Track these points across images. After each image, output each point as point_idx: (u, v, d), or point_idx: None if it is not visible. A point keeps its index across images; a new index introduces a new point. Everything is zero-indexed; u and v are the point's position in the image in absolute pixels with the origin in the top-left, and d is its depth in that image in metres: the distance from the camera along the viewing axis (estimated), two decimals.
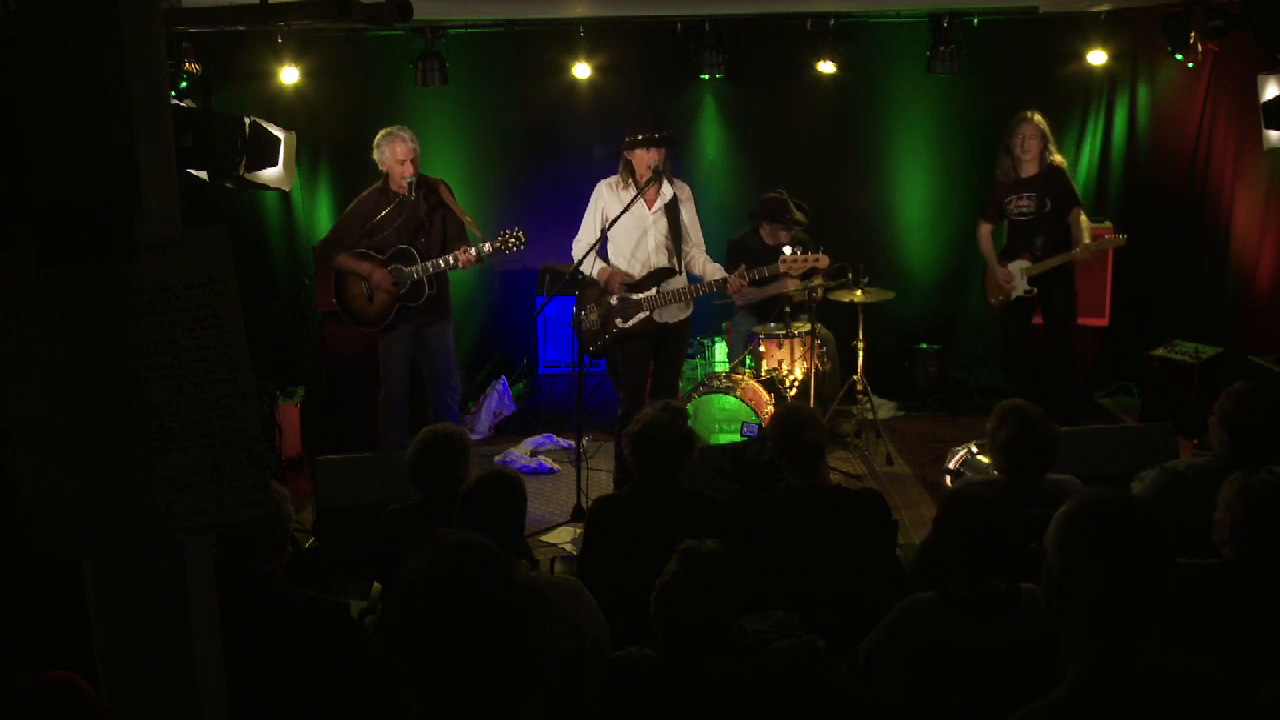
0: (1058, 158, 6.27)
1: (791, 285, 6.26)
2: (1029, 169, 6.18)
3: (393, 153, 5.57)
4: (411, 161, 5.57)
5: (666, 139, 5.43)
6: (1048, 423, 3.53)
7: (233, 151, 4.82)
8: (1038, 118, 6.15)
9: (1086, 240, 6.07)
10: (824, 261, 5.67)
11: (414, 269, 5.61)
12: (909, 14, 7.14)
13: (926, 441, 6.87)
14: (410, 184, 5.56)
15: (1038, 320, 6.46)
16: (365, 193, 5.73)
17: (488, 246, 5.58)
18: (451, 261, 5.58)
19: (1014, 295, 6.29)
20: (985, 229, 6.45)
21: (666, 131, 5.49)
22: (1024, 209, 6.23)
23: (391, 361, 5.79)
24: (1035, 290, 6.26)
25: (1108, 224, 7.10)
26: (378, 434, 5.88)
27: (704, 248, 5.68)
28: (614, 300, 5.51)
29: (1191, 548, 2.76)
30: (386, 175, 5.64)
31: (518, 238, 5.58)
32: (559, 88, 7.30)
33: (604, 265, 5.53)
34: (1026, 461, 3.51)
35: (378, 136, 5.63)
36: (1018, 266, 6.26)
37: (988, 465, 4.63)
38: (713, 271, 5.58)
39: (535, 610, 1.64)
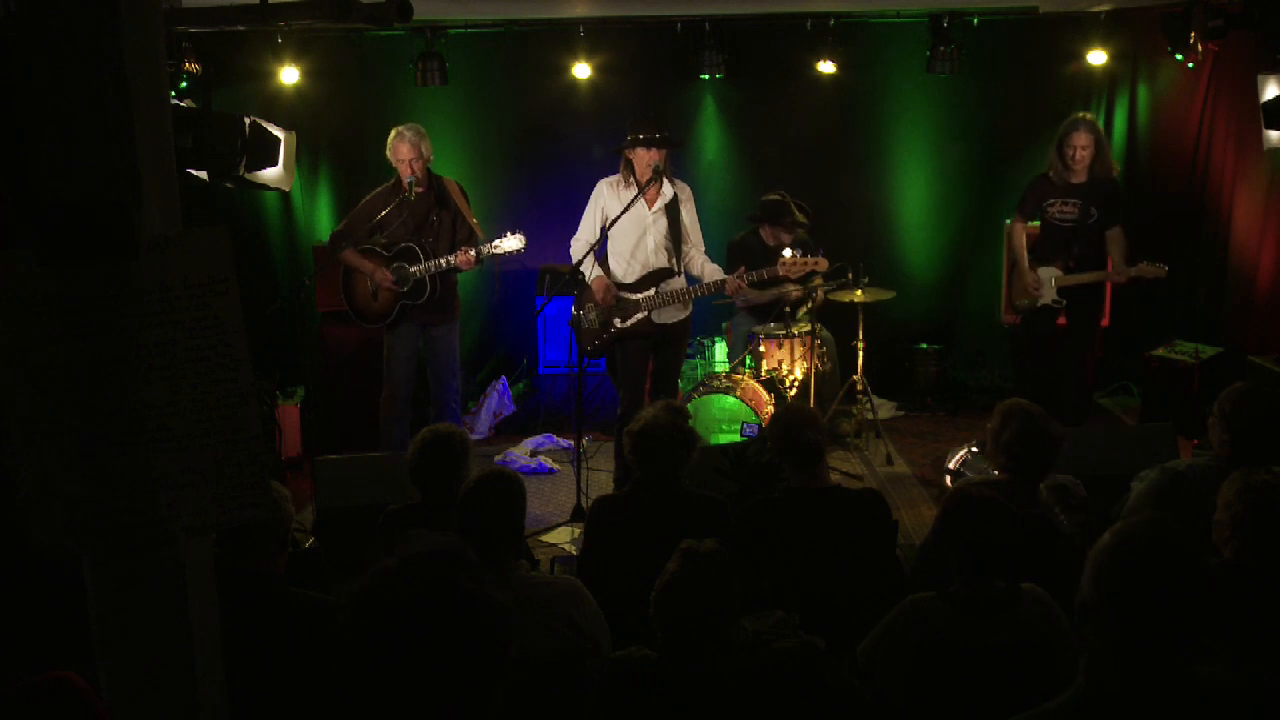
0: (1114, 166, 6.03)
1: (792, 289, 6.27)
2: (1079, 176, 5.88)
3: (396, 151, 5.60)
4: (413, 161, 5.58)
5: (666, 140, 5.42)
6: (1051, 422, 3.52)
7: (233, 151, 4.83)
8: (1089, 118, 5.88)
9: (1118, 259, 5.85)
10: (823, 264, 5.66)
11: (417, 268, 5.63)
12: (909, 14, 7.14)
13: (926, 441, 6.87)
14: (410, 183, 5.57)
15: (1061, 321, 6.15)
16: (380, 188, 5.75)
17: (486, 249, 5.59)
18: (451, 261, 5.59)
19: (1040, 303, 6.02)
20: (1020, 227, 6.13)
21: (667, 132, 5.49)
22: (1066, 215, 5.92)
23: (395, 360, 5.80)
24: (1064, 302, 5.97)
25: None
26: (379, 432, 5.88)
27: (704, 248, 5.68)
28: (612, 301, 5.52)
29: None
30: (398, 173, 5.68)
31: (517, 241, 5.59)
32: (559, 88, 7.30)
33: (599, 274, 5.53)
34: (1029, 461, 3.50)
35: (390, 134, 5.66)
36: (1049, 273, 5.97)
37: (988, 465, 4.63)
38: (711, 272, 5.57)
39: (501, 624, 1.63)
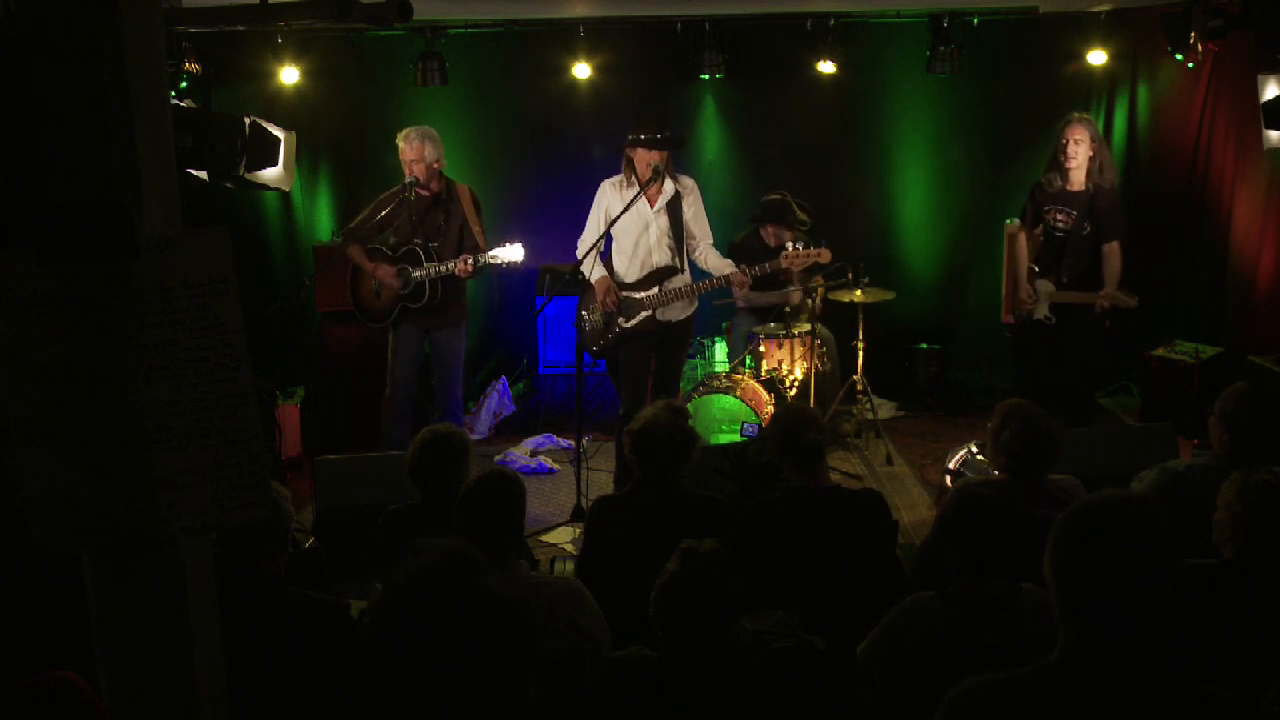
0: (1112, 175, 5.69)
1: (795, 297, 6.28)
2: (1076, 180, 5.60)
3: (401, 152, 5.62)
4: (414, 163, 5.58)
5: (667, 140, 5.42)
6: (1051, 422, 3.53)
7: (233, 151, 4.82)
8: (1087, 118, 5.63)
9: (1109, 280, 5.61)
10: (825, 256, 5.66)
11: (419, 271, 5.63)
12: (909, 14, 7.14)
13: (926, 441, 6.86)
14: (410, 184, 5.57)
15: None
16: (394, 188, 5.75)
17: (484, 259, 5.59)
18: (451, 267, 5.59)
19: (1034, 316, 5.82)
20: (1021, 236, 5.84)
21: (668, 132, 5.48)
22: (1059, 225, 5.69)
23: (398, 359, 5.81)
24: (1054, 319, 5.76)
25: None
26: (380, 432, 5.88)
27: (711, 240, 5.66)
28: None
29: (1191, 548, 2.76)
30: None
31: (516, 251, 5.59)
32: (559, 88, 7.30)
33: (602, 275, 5.53)
34: (1030, 460, 3.51)
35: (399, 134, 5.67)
36: (1045, 287, 5.75)
37: (988, 465, 4.63)
38: (717, 266, 5.57)
39: (507, 625, 1.63)
